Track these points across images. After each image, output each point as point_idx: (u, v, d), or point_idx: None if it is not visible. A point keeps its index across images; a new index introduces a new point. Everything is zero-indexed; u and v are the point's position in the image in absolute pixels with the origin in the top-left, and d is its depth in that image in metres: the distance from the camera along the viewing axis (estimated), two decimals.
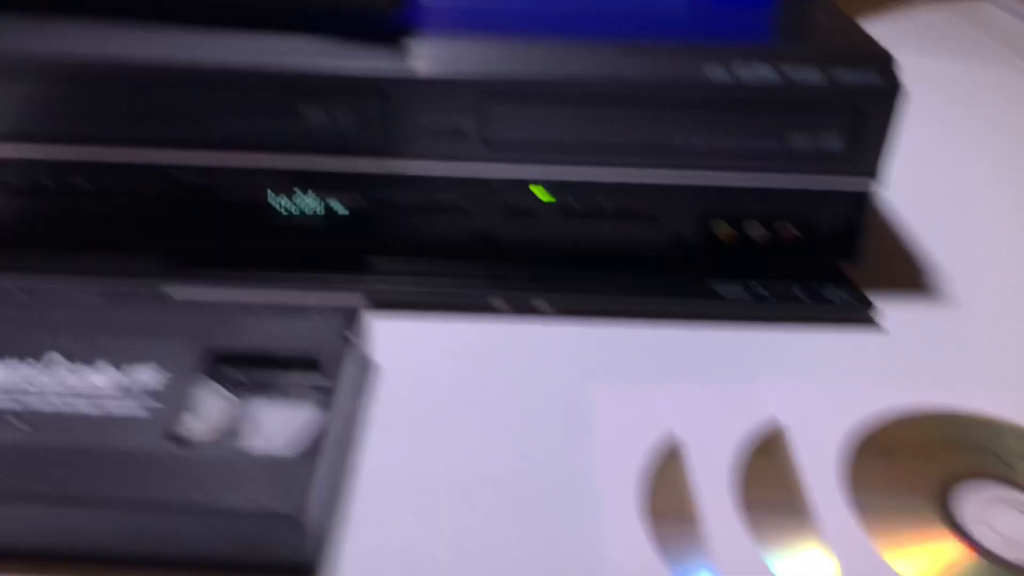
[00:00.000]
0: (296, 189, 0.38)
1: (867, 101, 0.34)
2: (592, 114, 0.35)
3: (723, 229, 0.38)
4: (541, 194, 0.37)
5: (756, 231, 0.38)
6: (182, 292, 0.38)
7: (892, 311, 0.38)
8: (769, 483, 0.29)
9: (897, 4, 0.81)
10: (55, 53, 0.34)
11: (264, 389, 0.30)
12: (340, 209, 0.38)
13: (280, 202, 0.38)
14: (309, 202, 0.38)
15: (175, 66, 0.34)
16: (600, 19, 0.38)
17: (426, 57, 0.35)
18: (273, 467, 0.26)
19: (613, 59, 0.35)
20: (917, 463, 0.29)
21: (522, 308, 0.38)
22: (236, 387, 0.29)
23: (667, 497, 0.28)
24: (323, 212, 0.38)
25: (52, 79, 0.35)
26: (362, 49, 0.35)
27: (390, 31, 0.35)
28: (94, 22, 0.35)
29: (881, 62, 0.35)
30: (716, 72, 0.34)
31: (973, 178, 0.51)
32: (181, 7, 0.35)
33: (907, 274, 0.41)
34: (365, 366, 0.33)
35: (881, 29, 0.71)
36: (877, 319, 0.38)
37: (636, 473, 0.29)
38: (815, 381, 0.34)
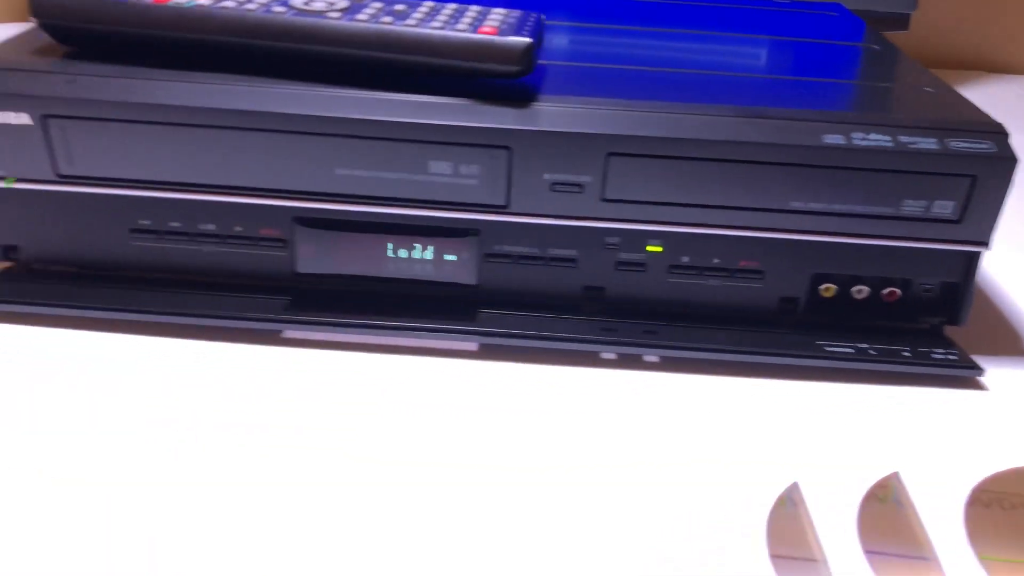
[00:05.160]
0: (416, 243, 0.39)
1: (983, 170, 0.35)
2: (710, 174, 0.36)
3: (827, 288, 0.39)
4: (654, 249, 0.39)
5: (859, 291, 0.39)
6: (300, 333, 0.39)
7: (994, 372, 0.39)
8: (891, 529, 0.30)
9: (973, 76, 0.83)
10: (210, 106, 0.36)
11: None
12: (453, 260, 0.39)
13: (398, 252, 0.39)
14: (425, 254, 0.39)
15: (314, 117, 0.36)
16: (718, 87, 0.40)
17: (553, 115, 0.36)
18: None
19: (735, 123, 0.36)
20: None
21: (631, 360, 0.39)
22: None
23: (792, 541, 0.29)
24: (435, 262, 0.39)
25: (203, 127, 0.37)
26: (492, 107, 0.36)
27: (520, 92, 0.37)
28: (224, 75, 0.37)
29: (996, 133, 0.36)
30: (835, 139, 0.36)
31: None
32: (324, 66, 0.37)
33: (1007, 337, 0.42)
34: None
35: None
36: (981, 381, 0.38)
37: (762, 518, 0.30)
38: (927, 437, 0.35)
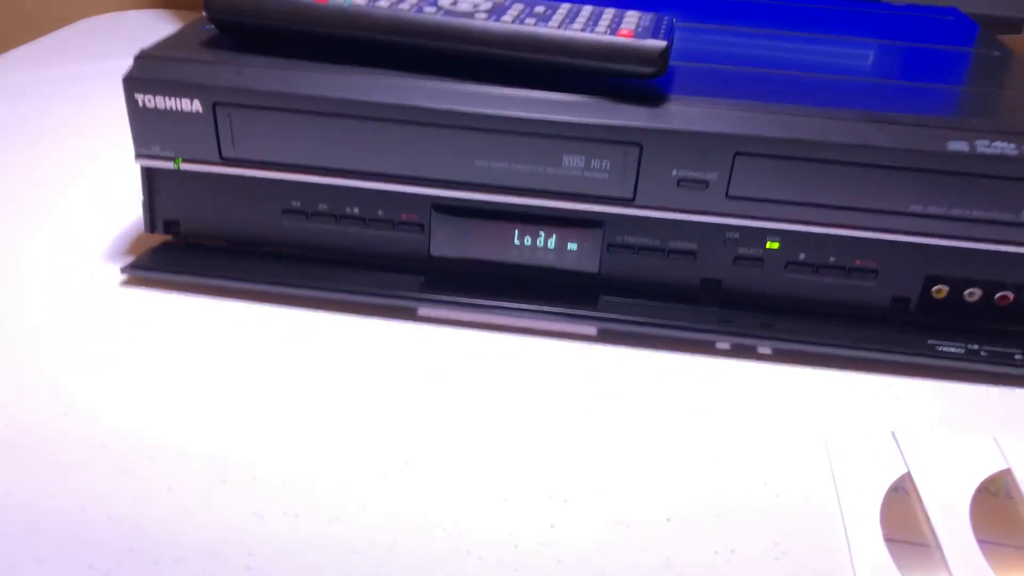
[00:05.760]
0: (540, 230, 0.42)
1: None
2: (834, 176, 0.38)
3: (939, 290, 0.41)
4: (772, 246, 0.40)
5: (971, 294, 0.41)
6: (432, 311, 0.42)
7: None
8: (1003, 524, 0.31)
9: None
10: (363, 99, 0.39)
11: None
12: (574, 248, 0.42)
13: (524, 239, 0.42)
14: (549, 242, 0.42)
15: (459, 112, 0.39)
16: (841, 91, 0.41)
17: (683, 115, 0.38)
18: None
19: (862, 128, 0.38)
20: None
21: (744, 351, 0.41)
22: None
23: (906, 528, 0.31)
24: (557, 250, 0.42)
25: (355, 118, 0.40)
26: (626, 106, 0.39)
27: (651, 92, 0.39)
28: (376, 70, 0.40)
29: None
30: (959, 146, 0.37)
31: None
32: (469, 64, 0.40)
33: None
34: None
35: None
36: None
37: (877, 506, 0.32)
38: None
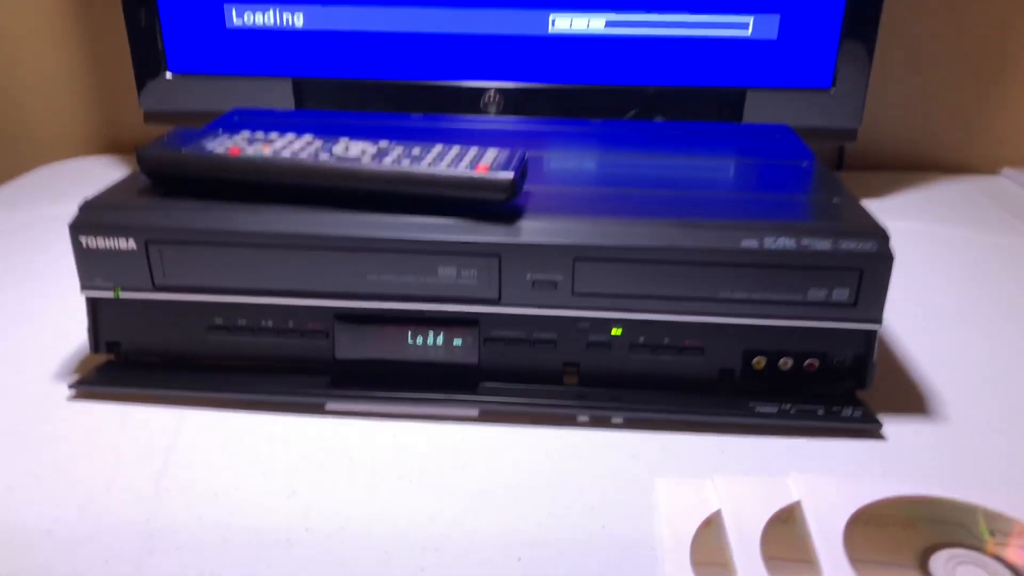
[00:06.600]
0: (430, 330, 0.50)
1: (867, 265, 0.45)
2: (656, 273, 0.47)
3: (758, 361, 0.49)
4: (616, 332, 0.49)
5: (784, 363, 0.49)
6: (339, 405, 0.50)
7: (893, 426, 0.48)
8: (789, 545, 0.39)
9: (921, 177, 0.93)
10: (271, 231, 0.48)
11: None
12: (459, 344, 0.50)
13: (416, 339, 0.50)
14: (437, 339, 0.50)
15: (351, 237, 0.47)
16: (664, 203, 0.51)
17: (532, 230, 0.47)
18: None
19: (672, 232, 0.46)
20: (903, 532, 0.39)
21: (601, 421, 0.48)
22: None
23: (712, 554, 0.38)
24: (446, 346, 0.50)
25: (266, 247, 0.48)
26: (486, 225, 0.47)
27: (509, 212, 0.48)
28: (282, 206, 0.49)
29: (878, 236, 0.46)
30: (750, 243, 0.46)
31: (972, 324, 0.61)
32: (358, 197, 0.48)
33: (909, 397, 0.51)
34: None
35: (907, 199, 0.83)
36: (881, 433, 0.47)
37: (690, 537, 0.39)
38: (827, 476, 0.43)
